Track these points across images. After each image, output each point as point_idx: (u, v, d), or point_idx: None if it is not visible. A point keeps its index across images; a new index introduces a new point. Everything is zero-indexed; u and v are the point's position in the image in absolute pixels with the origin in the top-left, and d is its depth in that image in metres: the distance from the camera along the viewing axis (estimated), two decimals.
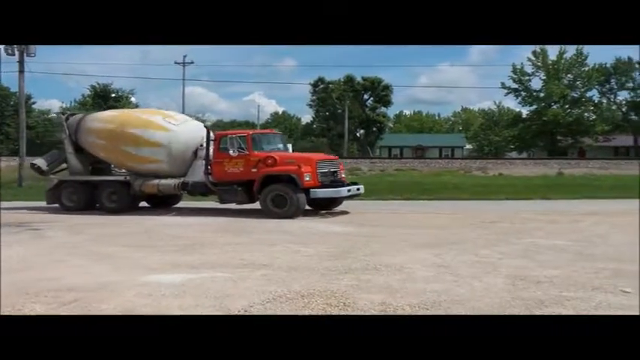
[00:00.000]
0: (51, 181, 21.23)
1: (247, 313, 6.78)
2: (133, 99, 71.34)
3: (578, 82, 67.05)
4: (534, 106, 66.97)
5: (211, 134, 19.12)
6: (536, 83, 67.10)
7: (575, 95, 66.53)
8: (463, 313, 6.69)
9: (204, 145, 19.01)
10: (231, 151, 18.10)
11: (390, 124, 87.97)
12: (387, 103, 73.15)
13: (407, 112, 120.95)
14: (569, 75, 66.85)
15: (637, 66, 68.08)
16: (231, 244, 12.12)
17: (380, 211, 18.63)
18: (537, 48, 65.86)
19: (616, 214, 16.60)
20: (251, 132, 19.68)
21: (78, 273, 9.23)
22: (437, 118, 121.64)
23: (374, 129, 73.37)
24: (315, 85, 72.11)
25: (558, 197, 23.22)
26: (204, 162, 18.85)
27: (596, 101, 69.29)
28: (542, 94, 66.09)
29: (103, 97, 68.64)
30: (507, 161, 46.08)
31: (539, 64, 66.45)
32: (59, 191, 20.67)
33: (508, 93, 68.20)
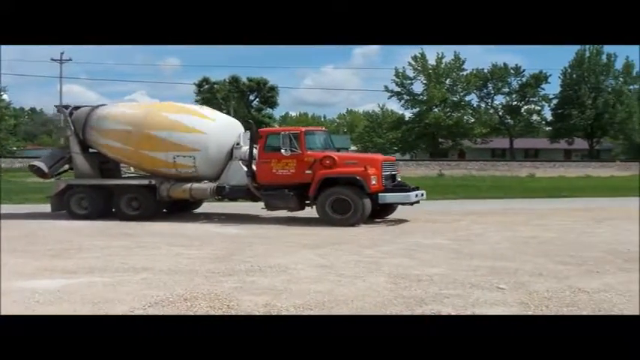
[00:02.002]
0: (57, 185, 18.27)
1: (248, 314, 6.70)
2: (5, 96, 68.03)
3: (457, 87, 69.42)
4: (417, 109, 68.83)
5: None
6: (418, 87, 69.02)
7: (455, 99, 68.82)
8: (347, 312, 6.74)
9: (241, 143, 17.27)
10: (283, 151, 16.09)
11: (276, 126, 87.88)
12: (272, 104, 73.00)
13: (293, 113, 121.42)
14: (448, 79, 69.09)
15: (512, 71, 71.22)
16: (111, 248, 11.74)
17: (265, 212, 18.44)
18: (417, 52, 67.76)
19: (493, 214, 17.24)
20: (303, 129, 17.33)
21: None
22: (322, 119, 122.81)
23: None
24: (199, 85, 71.03)
25: (439, 197, 23.85)
26: (241, 163, 17.00)
27: (474, 105, 71.98)
28: (423, 98, 67.98)
29: None
30: None
31: (419, 68, 68.32)
32: (67, 197, 17.86)
33: (391, 96, 69.87)
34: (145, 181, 17.75)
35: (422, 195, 16.64)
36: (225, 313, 6.73)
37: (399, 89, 68.84)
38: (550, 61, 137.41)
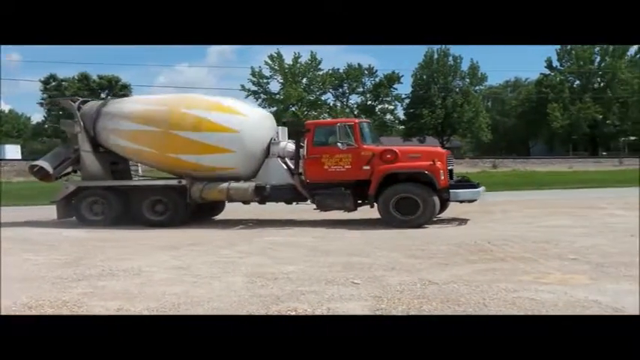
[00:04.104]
0: (65, 188, 16.42)
1: (250, 313, 6.53)
2: None
3: (314, 86, 70.43)
4: (274, 108, 69.19)
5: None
6: (275, 86, 69.53)
7: (312, 98, 69.83)
8: (202, 313, 6.63)
9: (279, 139, 15.94)
10: (339, 144, 14.61)
11: None
12: None
13: None
14: (305, 79, 69.97)
15: (366, 72, 73.18)
16: None
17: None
18: (274, 52, 68.12)
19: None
20: (357, 120, 15.73)
21: None
22: None
23: None
24: (46, 82, 68.11)
25: None
26: (279, 160, 15.69)
27: (331, 104, 73.31)
28: (280, 97, 68.51)
29: None
30: None
31: (276, 67, 68.78)
32: (77, 201, 16.17)
33: (248, 95, 69.85)
34: (174, 182, 16.04)
35: (484, 191, 15.46)
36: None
37: (255, 88, 69.09)
38: (401, 62, 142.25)
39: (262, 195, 15.53)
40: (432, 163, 14.31)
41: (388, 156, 14.62)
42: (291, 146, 15.82)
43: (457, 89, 71.44)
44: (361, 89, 74.50)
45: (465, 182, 15.37)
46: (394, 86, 73.68)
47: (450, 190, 14.48)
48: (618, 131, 71.85)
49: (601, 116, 69.46)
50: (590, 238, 11.52)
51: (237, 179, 15.72)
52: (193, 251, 11.10)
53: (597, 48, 71.85)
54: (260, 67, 69.87)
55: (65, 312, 6.72)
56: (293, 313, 6.52)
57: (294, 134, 16.04)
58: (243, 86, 69.84)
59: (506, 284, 7.63)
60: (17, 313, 6.55)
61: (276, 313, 6.54)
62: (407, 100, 73.83)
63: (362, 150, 14.73)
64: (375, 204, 14.64)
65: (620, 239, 11.36)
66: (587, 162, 52.21)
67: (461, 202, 15.04)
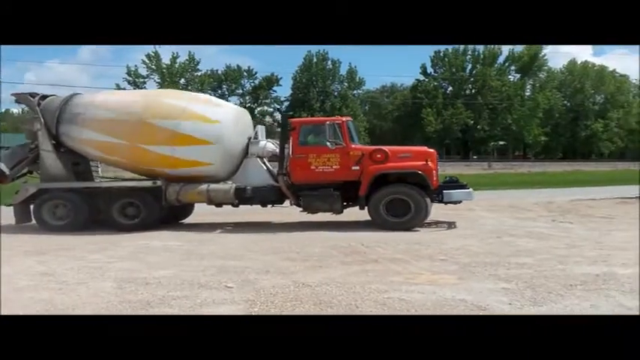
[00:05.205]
0: (24, 190, 14.99)
1: (250, 313, 6.50)
2: None
3: (192, 87, 69.51)
4: None
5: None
6: (152, 86, 68.14)
7: None
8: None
9: (258, 137, 15.14)
10: (328, 144, 13.98)
11: None
12: None
13: (15, 110, 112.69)
14: (182, 79, 69.02)
15: (245, 73, 73.10)
16: None
17: None
18: (151, 51, 66.81)
19: (226, 214, 17.20)
20: (344, 118, 14.91)
21: None
22: None
23: None
24: None
25: None
26: (259, 160, 15.00)
27: None
28: None
29: None
30: None
31: (153, 67, 67.49)
32: (37, 205, 14.80)
33: None
34: (148, 183, 14.85)
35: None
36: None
37: (131, 88, 67.40)
38: (281, 65, 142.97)
39: (243, 197, 14.78)
40: (424, 163, 14.04)
41: (378, 156, 14.23)
42: (270, 146, 15.33)
43: (335, 93, 72.52)
44: (240, 91, 74.37)
45: (455, 183, 15.06)
46: (273, 88, 74.04)
47: (444, 191, 14.30)
48: (488, 136, 75.05)
49: (472, 121, 72.36)
50: (460, 240, 11.92)
51: (214, 181, 14.90)
52: (61, 256, 10.65)
53: (469, 55, 74.93)
54: (136, 65, 68.39)
55: None
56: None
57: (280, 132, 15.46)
58: (118, 85, 67.95)
59: (377, 285, 7.76)
60: (17, 313, 6.45)
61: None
62: (286, 103, 74.32)
63: (350, 150, 14.31)
64: (365, 206, 14.26)
65: (487, 240, 11.86)
66: (458, 165, 54.20)
67: (446, 203, 14.64)
